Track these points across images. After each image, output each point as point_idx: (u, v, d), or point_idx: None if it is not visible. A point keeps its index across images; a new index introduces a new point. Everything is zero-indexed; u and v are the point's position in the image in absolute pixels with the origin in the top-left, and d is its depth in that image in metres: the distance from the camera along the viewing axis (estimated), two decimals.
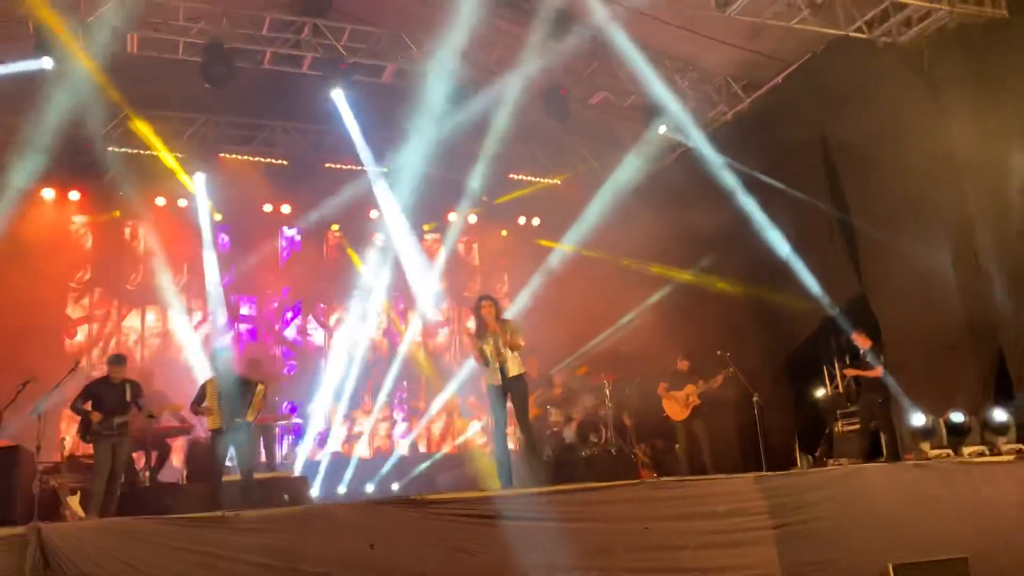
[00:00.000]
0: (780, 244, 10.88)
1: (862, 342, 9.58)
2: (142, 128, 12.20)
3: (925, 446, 8.70)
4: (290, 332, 14.48)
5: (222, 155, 13.35)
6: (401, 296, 15.03)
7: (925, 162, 9.79)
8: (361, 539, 5.68)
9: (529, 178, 15.34)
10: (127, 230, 13.69)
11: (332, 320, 14.65)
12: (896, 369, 9.47)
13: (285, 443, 12.13)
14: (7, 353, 10.60)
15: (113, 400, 8.35)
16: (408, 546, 5.72)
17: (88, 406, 8.30)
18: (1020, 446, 8.31)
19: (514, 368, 7.69)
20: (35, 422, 7.94)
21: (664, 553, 6.19)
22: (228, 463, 8.86)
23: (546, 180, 15.42)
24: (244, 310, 14.17)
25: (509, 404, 7.76)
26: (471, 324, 8.07)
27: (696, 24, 11.08)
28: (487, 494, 6.53)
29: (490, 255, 16.14)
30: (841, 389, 12.12)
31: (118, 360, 8.70)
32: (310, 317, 14.68)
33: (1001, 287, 9.29)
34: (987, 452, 8.29)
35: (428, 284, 14.46)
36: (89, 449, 8.61)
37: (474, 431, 14.24)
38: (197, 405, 8.55)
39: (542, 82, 11.93)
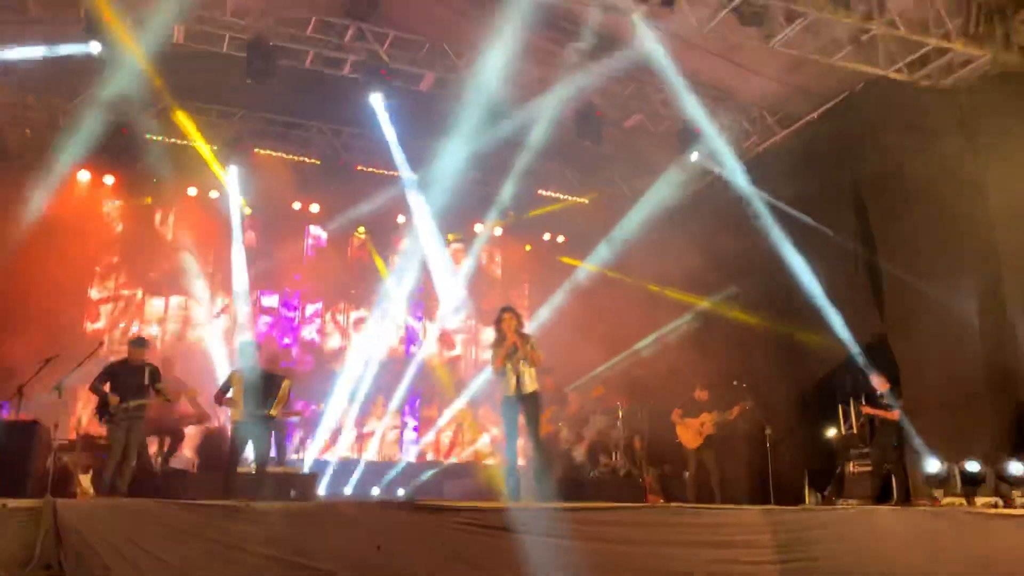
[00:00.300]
0: (805, 279, 10.83)
1: (880, 384, 9.51)
2: (181, 118, 12.36)
3: (938, 493, 8.63)
4: (308, 331, 14.55)
5: (257, 150, 13.49)
6: (422, 303, 15.10)
7: (957, 208, 9.77)
8: (369, 539, 5.69)
9: (557, 195, 15.40)
10: (157, 217, 13.85)
11: (351, 322, 14.72)
12: (913, 413, 9.38)
13: (296, 439, 12.18)
14: (31, 330, 10.72)
15: (132, 383, 8.42)
16: (415, 551, 5.73)
17: (107, 387, 8.37)
18: None
19: (530, 383, 7.75)
20: (55, 399, 8.05)
21: None
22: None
23: (574, 198, 15.48)
24: (266, 304, 14.27)
25: (521, 418, 7.78)
26: (492, 334, 8.12)
27: (735, 54, 11.12)
28: (498, 505, 6.53)
29: (512, 269, 16.19)
30: (855, 429, 12.02)
31: (139, 343, 8.77)
32: (329, 317, 14.77)
33: None
34: (1001, 504, 8.20)
35: (451, 292, 14.53)
36: (104, 430, 8.68)
37: (483, 443, 14.24)
38: (222, 395, 8.62)
39: (578, 102, 12.00)
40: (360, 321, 14.59)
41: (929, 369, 10.10)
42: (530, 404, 7.77)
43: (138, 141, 12.30)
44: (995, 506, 8.13)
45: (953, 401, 9.69)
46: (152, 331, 13.23)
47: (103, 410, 8.44)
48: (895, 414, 9.21)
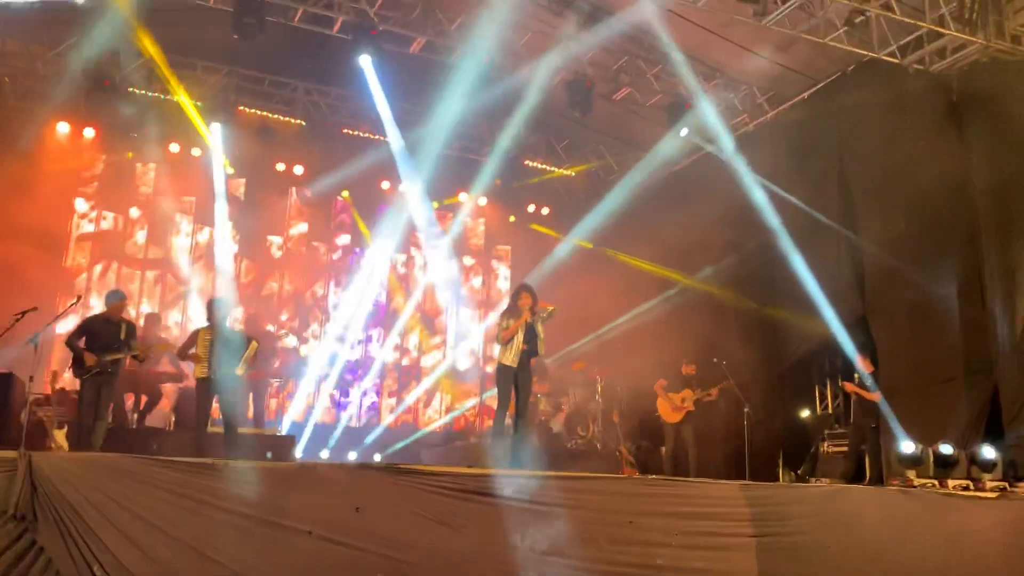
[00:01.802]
0: (789, 258, 10.86)
1: (866, 366, 9.58)
2: (165, 72, 12.11)
3: (911, 474, 8.74)
4: (291, 292, 14.47)
5: (241, 108, 13.28)
6: (406, 268, 15.05)
7: (941, 193, 9.82)
8: (347, 501, 5.67)
9: (544, 166, 15.31)
10: (138, 173, 13.62)
11: (334, 285, 14.62)
12: (889, 395, 9.49)
13: (274, 402, 12.14)
14: (9, 284, 10.54)
15: (107, 338, 8.30)
16: (394, 513, 5.72)
17: (83, 342, 8.26)
18: (1005, 484, 8.35)
19: (531, 357, 8.08)
20: (31, 352, 7.93)
21: (646, 549, 6.21)
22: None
23: (560, 170, 15.41)
24: (247, 263, 14.14)
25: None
26: (504, 307, 8.42)
27: (728, 31, 11.05)
28: (478, 471, 6.54)
29: (496, 238, 16.14)
30: (831, 410, 12.16)
31: (115, 296, 8.64)
32: (313, 280, 14.67)
33: (1003, 325, 9.31)
34: (972, 487, 8.33)
35: (435, 260, 14.48)
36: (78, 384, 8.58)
37: (463, 410, 14.25)
38: (185, 350, 8.50)
39: (568, 73, 11.91)
40: (343, 284, 14.47)
41: (907, 352, 10.19)
42: (525, 377, 8.10)
43: (120, 94, 12.08)
44: (966, 489, 8.25)
45: (929, 384, 9.80)
46: (132, 288, 13.07)
47: (78, 366, 8.34)
48: (876, 396, 9.31)
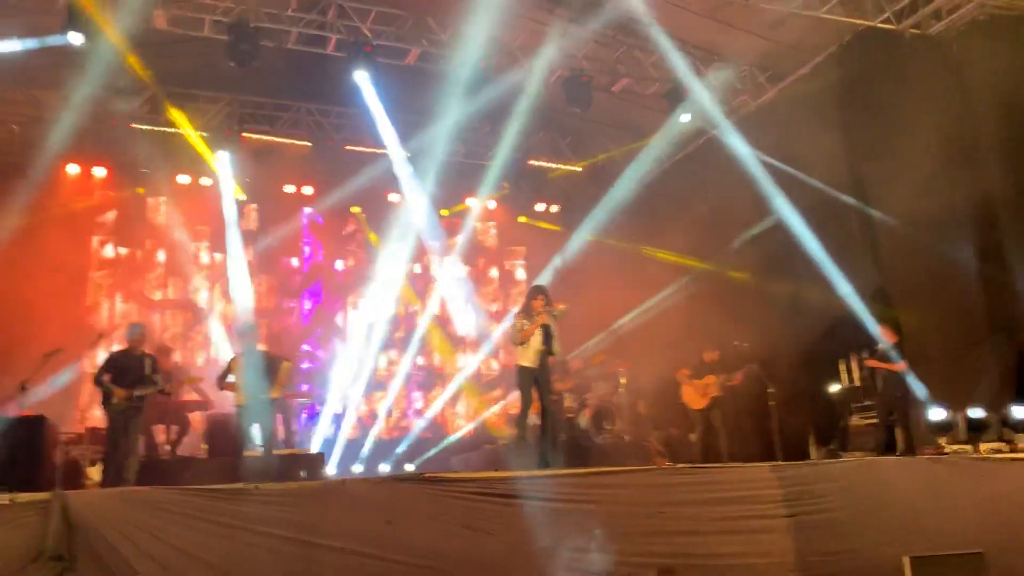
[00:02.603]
0: (802, 235, 10.80)
1: (889, 336, 9.51)
2: (167, 106, 12.27)
3: (943, 441, 8.66)
4: (308, 307, 14.58)
5: (245, 135, 13.40)
6: (420, 278, 15.12)
7: (950, 155, 9.71)
8: (379, 515, 5.74)
9: (549, 164, 15.31)
10: (151, 207, 13.79)
11: (351, 301, 14.72)
12: (915, 362, 9.42)
13: (303, 421, 12.24)
14: (32, 327, 10.72)
15: (132, 372, 8.43)
16: (425, 523, 5.77)
17: (108, 378, 8.38)
18: None
19: (548, 356, 8.21)
20: (59, 393, 8.07)
21: (678, 538, 6.22)
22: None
23: (566, 167, 15.39)
24: (266, 288, 14.27)
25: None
26: (519, 309, 8.61)
27: (721, 13, 11.01)
28: (505, 475, 6.56)
29: (508, 240, 16.17)
30: (858, 383, 12.04)
31: (134, 330, 8.78)
32: (330, 297, 14.78)
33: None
34: (1005, 449, 8.24)
35: (447, 268, 14.54)
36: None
37: (490, 414, 14.28)
38: (223, 380, 8.64)
39: (565, 69, 11.92)
40: (360, 300, 14.55)
41: (930, 318, 10.08)
42: (545, 376, 8.23)
43: (126, 131, 12.24)
44: (1000, 451, 8.17)
45: (955, 349, 9.70)
46: (154, 320, 13.23)
47: (107, 402, 8.47)
48: (902, 366, 9.24)
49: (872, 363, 9.65)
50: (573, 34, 11.08)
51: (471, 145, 14.64)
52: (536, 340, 8.08)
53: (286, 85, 13.01)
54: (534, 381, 8.13)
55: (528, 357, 8.11)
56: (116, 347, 9.18)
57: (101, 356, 8.88)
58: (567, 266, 13.69)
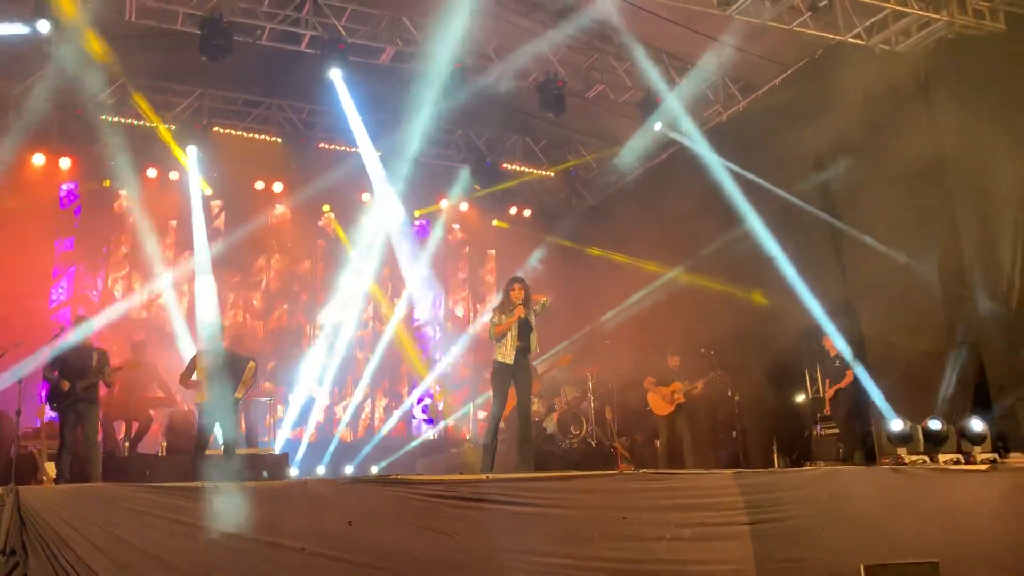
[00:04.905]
0: (770, 246, 10.91)
1: (830, 347, 9.90)
2: (136, 98, 12.11)
3: (902, 451, 8.78)
4: (275, 310, 14.45)
5: (216, 129, 13.26)
6: (389, 280, 15.05)
7: (916, 170, 9.87)
8: (339, 516, 5.69)
9: (523, 168, 15.33)
10: (117, 200, 13.59)
11: (319, 300, 14.61)
12: (878, 375, 9.57)
13: (267, 420, 12.11)
14: None
15: (78, 365, 8.28)
16: (387, 525, 5.73)
17: (56, 373, 8.22)
18: (995, 456, 8.39)
19: (527, 353, 7.89)
20: (16, 387, 7.91)
21: (641, 544, 6.24)
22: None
23: (539, 171, 15.43)
24: (231, 286, 14.12)
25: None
26: (497, 302, 8.30)
27: (696, 23, 11.11)
28: (468, 477, 6.55)
29: (479, 244, 16.17)
30: (821, 393, 12.19)
31: (81, 322, 8.65)
32: (296, 297, 14.67)
33: (984, 297, 9.38)
34: (962, 460, 8.37)
35: (417, 270, 14.48)
36: None
37: (455, 418, 14.25)
38: (187, 377, 8.52)
39: (539, 73, 11.94)
40: (327, 301, 14.44)
41: (892, 331, 10.23)
42: (523, 375, 7.91)
43: (93, 123, 12.04)
44: (957, 463, 8.30)
45: (916, 361, 9.85)
46: (114, 315, 13.01)
47: (54, 396, 8.29)
48: (848, 377, 9.47)
49: (829, 392, 9.94)
50: (549, 38, 11.11)
51: (443, 146, 14.63)
52: (513, 335, 7.77)
53: (258, 81, 12.90)
54: (510, 378, 7.84)
55: (504, 353, 7.79)
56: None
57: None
58: (538, 271, 13.69)
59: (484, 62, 11.61)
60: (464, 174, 14.34)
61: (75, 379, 8.16)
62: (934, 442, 8.75)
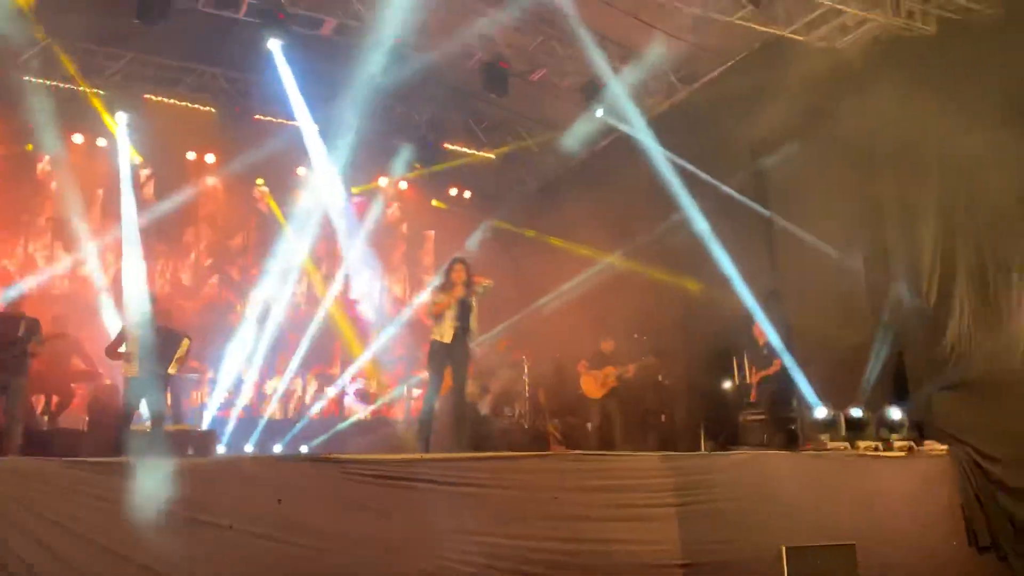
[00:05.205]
0: (705, 235, 11.09)
1: (760, 335, 10.16)
2: (64, 60, 11.63)
3: (825, 437, 9.06)
4: (204, 285, 14.12)
5: (147, 96, 12.82)
6: (325, 257, 14.84)
7: (847, 166, 10.14)
8: (269, 494, 5.63)
9: (464, 149, 15.24)
10: (40, 165, 13.07)
11: (250, 276, 14.32)
12: (804, 364, 9.84)
13: (194, 396, 11.86)
14: None
15: (5, 335, 7.99)
16: (319, 504, 5.69)
17: None
18: (911, 443, 8.73)
19: (466, 334, 7.84)
20: None
21: (571, 523, 6.33)
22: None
23: (481, 153, 15.36)
24: (159, 258, 13.74)
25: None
26: (437, 281, 8.20)
27: (643, 12, 11.16)
28: (403, 457, 6.54)
29: (418, 223, 16.04)
30: (749, 380, 12.49)
31: (11, 292, 8.36)
32: (226, 272, 14.36)
33: (906, 291, 9.71)
34: (880, 447, 8.68)
35: (354, 247, 14.30)
36: None
37: (390, 398, 14.16)
38: (115, 349, 8.26)
39: (483, 53, 11.86)
40: (259, 276, 14.16)
41: (818, 321, 10.51)
42: (460, 356, 7.85)
43: (16, 83, 11.53)
44: (876, 449, 8.60)
45: (841, 351, 10.14)
46: (34, 285, 12.53)
47: None
48: (775, 366, 9.71)
49: (756, 377, 10.16)
50: (493, 18, 11.03)
51: (383, 122, 14.42)
52: (451, 314, 7.74)
53: (193, 47, 12.48)
54: (447, 358, 7.82)
55: (440, 332, 7.77)
56: None
57: None
58: (477, 253, 13.66)
59: (427, 39, 11.47)
60: (404, 152, 14.18)
61: (1, 349, 7.86)
62: (855, 429, 9.05)
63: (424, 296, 12.30)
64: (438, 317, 7.83)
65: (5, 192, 12.84)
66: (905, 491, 8.02)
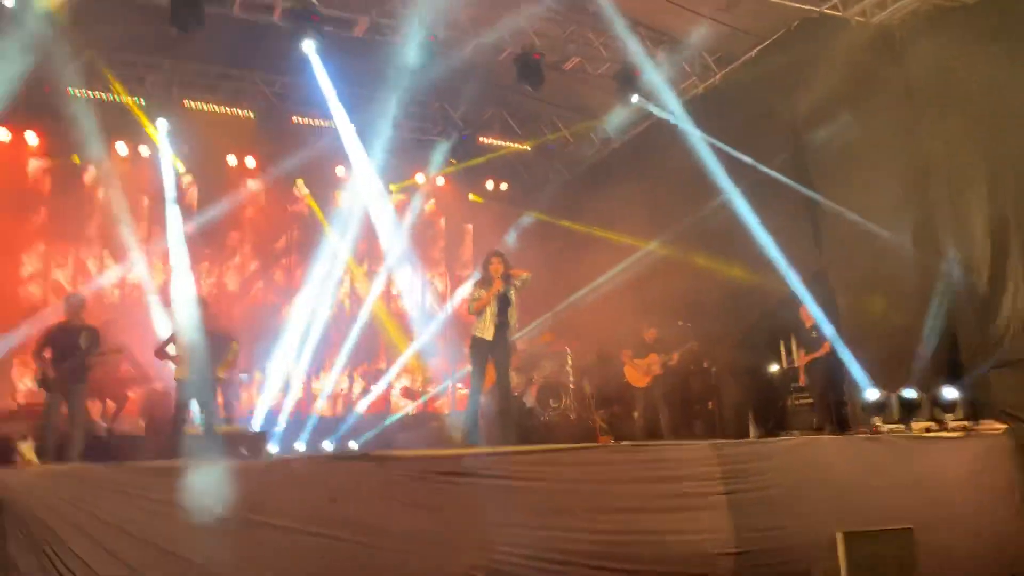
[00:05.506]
0: (747, 217, 10.95)
1: (807, 317, 9.96)
2: (105, 72, 11.87)
3: (877, 420, 8.91)
4: (251, 288, 14.32)
5: (186, 103, 13.03)
6: (366, 255, 14.96)
7: (891, 142, 9.93)
8: (322, 493, 5.68)
9: (499, 142, 15.23)
10: (87, 176, 13.37)
11: (295, 277, 14.51)
12: (853, 345, 9.68)
13: (244, 397, 12.06)
14: None
15: (67, 345, 8.23)
16: (370, 501, 5.74)
17: (48, 353, 8.17)
18: (967, 423, 8.54)
19: (507, 329, 7.87)
20: None
21: (621, 515, 6.29)
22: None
23: (516, 145, 15.34)
24: (205, 262, 13.97)
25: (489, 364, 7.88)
26: (478, 276, 8.25)
27: None
28: (450, 452, 6.57)
29: (456, 218, 16.09)
30: (796, 363, 12.33)
31: (70, 301, 8.57)
32: (271, 274, 14.56)
33: (957, 268, 9.50)
34: (935, 428, 8.51)
35: (394, 244, 14.40)
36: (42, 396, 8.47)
37: (436, 392, 14.25)
38: (162, 350, 8.45)
39: (516, 46, 11.83)
40: (304, 276, 14.33)
41: (868, 303, 10.35)
42: (502, 350, 7.88)
43: (61, 97, 11.79)
44: (930, 430, 8.44)
45: (891, 331, 9.97)
46: (88, 292, 12.84)
47: (43, 377, 8.26)
48: (824, 348, 9.54)
49: (804, 360, 10.00)
50: (524, 10, 10.99)
51: (419, 120, 14.50)
52: (492, 310, 7.76)
53: (229, 53, 12.65)
54: (489, 354, 7.84)
55: (482, 328, 7.79)
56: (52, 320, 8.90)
57: (36, 330, 8.61)
58: (515, 246, 13.67)
59: (459, 34, 11.47)
60: (440, 148, 14.24)
61: (64, 360, 8.09)
62: (908, 410, 8.88)
63: (464, 291, 12.36)
64: (479, 313, 7.83)
65: (55, 204, 13.17)
66: (962, 472, 7.83)
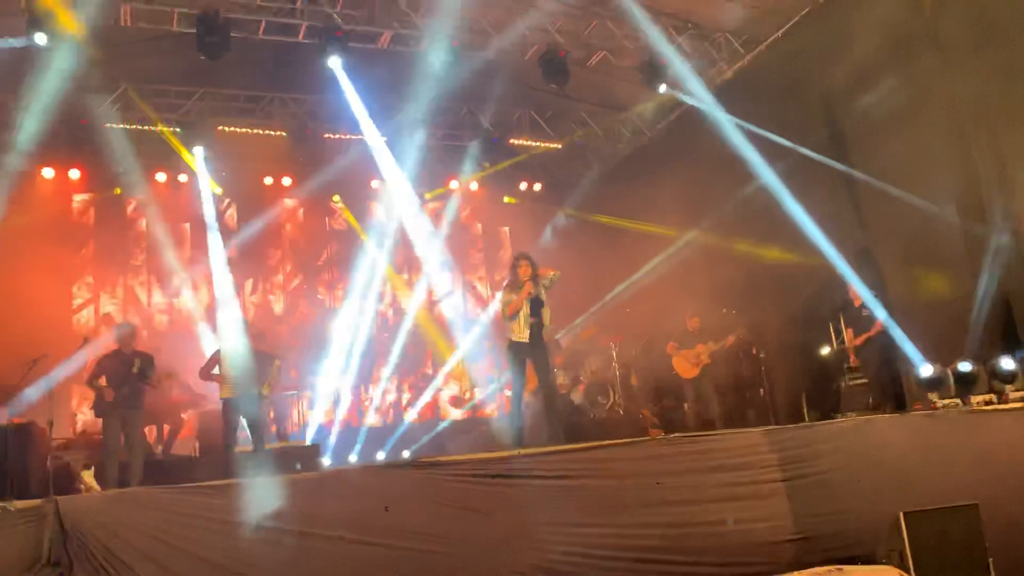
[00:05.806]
0: (785, 199, 10.79)
1: (855, 297, 9.81)
2: (139, 102, 12.13)
3: (934, 396, 8.69)
4: (296, 305, 14.49)
5: (220, 128, 13.25)
6: (405, 264, 15.05)
7: (927, 110, 9.70)
8: (375, 502, 5.72)
9: (530, 143, 15.22)
10: (130, 207, 13.68)
11: (337, 291, 14.66)
12: (904, 320, 9.47)
13: (295, 413, 12.20)
14: (16, 333, 10.61)
15: (120, 372, 8.41)
16: (423, 508, 5.76)
17: (103, 381, 8.36)
18: None
19: (541, 329, 7.86)
20: (47, 398, 8.02)
21: (677, 508, 6.22)
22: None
23: (547, 144, 15.32)
24: (249, 283, 14.19)
25: (529, 366, 7.87)
26: (507, 282, 8.24)
27: None
28: (499, 455, 6.56)
29: (492, 221, 16.11)
30: (846, 344, 12.10)
31: (122, 329, 8.76)
32: (314, 289, 14.72)
33: (1006, 235, 9.23)
34: (995, 400, 8.28)
35: (432, 252, 14.47)
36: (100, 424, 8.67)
37: (483, 396, 14.28)
38: (208, 370, 8.59)
39: (540, 45, 11.82)
40: (346, 289, 14.47)
41: (915, 275, 10.14)
42: (540, 351, 7.88)
43: (98, 131, 12.07)
44: (990, 403, 8.21)
45: (941, 304, 9.74)
46: (136, 321, 13.12)
47: (100, 404, 8.44)
48: (876, 327, 9.34)
49: (855, 342, 9.80)
50: (545, 8, 10.98)
51: (449, 127, 14.56)
52: (525, 312, 7.76)
53: (259, 76, 12.86)
54: (527, 356, 7.85)
55: (517, 331, 7.81)
56: (104, 349, 9.09)
57: (87, 359, 8.82)
58: (552, 244, 13.66)
59: (482, 38, 11.50)
60: (472, 152, 14.28)
61: (117, 385, 8.28)
62: (965, 384, 8.65)
63: (498, 296, 12.37)
64: (512, 316, 7.84)
65: (101, 236, 13.50)
66: None
